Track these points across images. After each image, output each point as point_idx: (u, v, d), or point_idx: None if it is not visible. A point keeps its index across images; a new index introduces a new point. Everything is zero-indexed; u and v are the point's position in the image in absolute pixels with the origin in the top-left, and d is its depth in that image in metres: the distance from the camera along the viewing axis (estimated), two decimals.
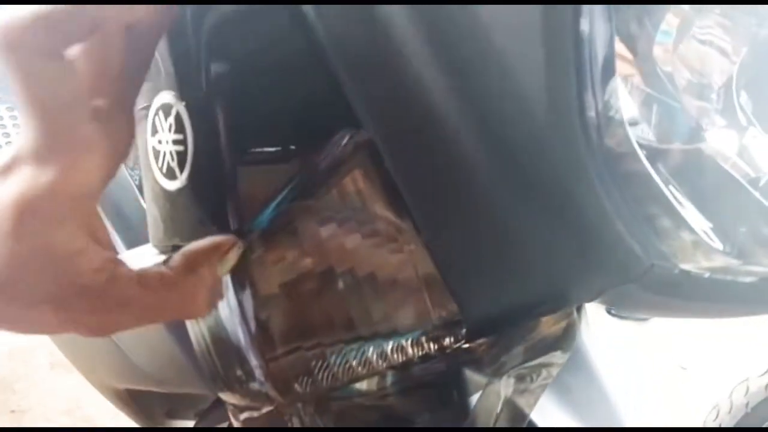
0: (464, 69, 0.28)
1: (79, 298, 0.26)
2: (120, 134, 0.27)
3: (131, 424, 0.86)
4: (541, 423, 0.51)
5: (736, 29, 0.35)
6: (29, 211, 0.25)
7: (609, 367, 0.58)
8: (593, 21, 0.27)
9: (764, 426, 1.19)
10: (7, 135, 1.04)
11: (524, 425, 0.39)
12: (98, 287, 0.26)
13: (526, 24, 0.26)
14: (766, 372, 1.22)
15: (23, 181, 0.25)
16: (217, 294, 0.31)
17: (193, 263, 0.29)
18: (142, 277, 0.28)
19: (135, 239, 0.61)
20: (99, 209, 0.28)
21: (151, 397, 0.77)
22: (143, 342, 0.50)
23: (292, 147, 0.32)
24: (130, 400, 0.78)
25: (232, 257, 0.31)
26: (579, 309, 0.58)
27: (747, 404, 1.22)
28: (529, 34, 0.26)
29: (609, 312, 2.01)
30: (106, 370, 0.65)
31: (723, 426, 1.23)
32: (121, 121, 0.28)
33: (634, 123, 0.31)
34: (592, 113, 0.27)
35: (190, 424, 0.88)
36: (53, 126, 0.25)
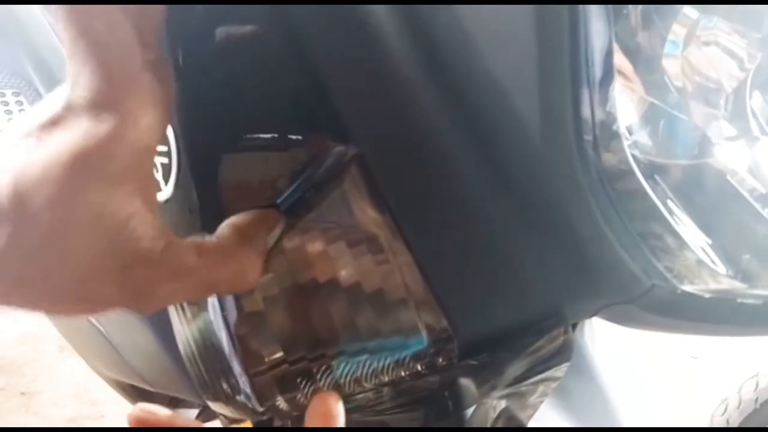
0: (457, 85, 0.27)
1: (140, 267, 0.24)
2: (170, 87, 0.26)
3: None
4: (538, 425, 0.50)
5: (750, 34, 0.33)
6: (84, 167, 0.22)
7: (610, 370, 0.57)
8: (589, 33, 0.25)
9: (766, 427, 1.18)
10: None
11: None
12: (157, 255, 0.24)
13: (518, 38, 0.25)
14: None
15: (78, 133, 0.23)
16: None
17: (246, 234, 0.28)
18: (200, 247, 0.26)
19: None
20: None
21: None
22: (134, 344, 0.50)
23: (278, 160, 0.31)
24: (131, 389, 0.78)
25: (278, 231, 0.30)
26: None
27: (756, 400, 1.21)
28: (521, 49, 0.25)
29: None
30: (103, 363, 0.65)
31: (730, 421, 1.22)
32: (168, 75, 0.26)
33: (632, 133, 0.30)
34: (588, 132, 0.26)
35: (194, 412, 0.88)
36: (113, 73, 0.23)
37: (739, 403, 1.23)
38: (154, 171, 0.33)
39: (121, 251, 0.23)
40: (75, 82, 0.23)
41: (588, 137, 0.26)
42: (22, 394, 1.39)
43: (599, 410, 0.55)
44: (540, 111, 0.25)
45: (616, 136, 0.27)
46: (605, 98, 0.27)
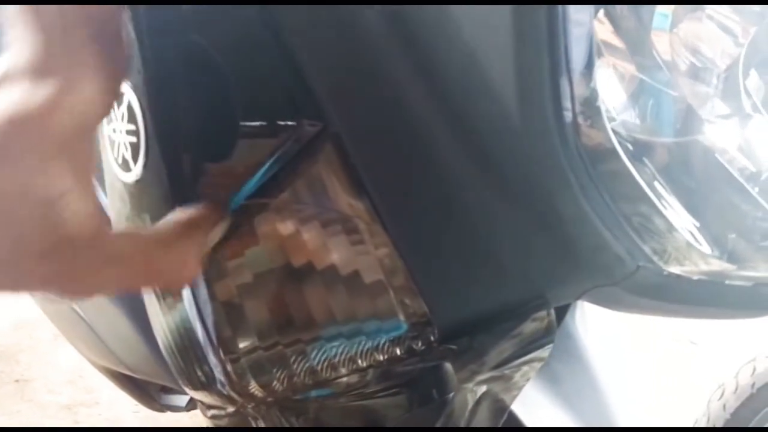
0: (434, 62, 0.26)
1: (62, 250, 0.23)
2: (118, 64, 0.25)
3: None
4: (528, 412, 0.49)
5: (744, 8, 0.32)
6: (19, 134, 0.22)
7: (601, 355, 0.57)
8: (567, 9, 0.24)
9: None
10: None
11: (505, 416, 0.37)
12: (85, 239, 0.23)
13: (495, 21, 0.24)
14: None
15: (15, 96, 0.22)
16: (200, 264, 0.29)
17: (187, 229, 0.27)
18: (135, 236, 0.26)
19: None
20: None
21: None
22: (115, 331, 0.49)
23: (251, 142, 0.30)
24: (122, 377, 0.77)
25: (221, 230, 0.29)
26: None
27: (753, 385, 1.20)
28: (498, 30, 0.24)
29: None
30: (90, 350, 0.65)
31: (727, 406, 1.22)
32: (119, 51, 0.25)
33: (620, 112, 0.29)
34: (568, 111, 0.25)
35: (185, 398, 0.88)
36: (56, 40, 0.22)
37: (736, 388, 1.23)
38: (114, 150, 0.32)
39: (49, 229, 0.22)
40: (18, 47, 0.22)
41: (568, 115, 0.25)
42: (17, 381, 1.39)
43: (589, 395, 0.54)
44: (517, 87, 0.24)
45: (597, 113, 0.26)
46: (586, 75, 0.26)
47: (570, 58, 0.24)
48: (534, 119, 0.25)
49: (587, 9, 0.25)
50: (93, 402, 1.37)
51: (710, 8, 0.31)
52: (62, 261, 0.23)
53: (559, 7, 0.23)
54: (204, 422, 0.38)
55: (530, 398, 0.51)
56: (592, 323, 0.60)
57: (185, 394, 0.86)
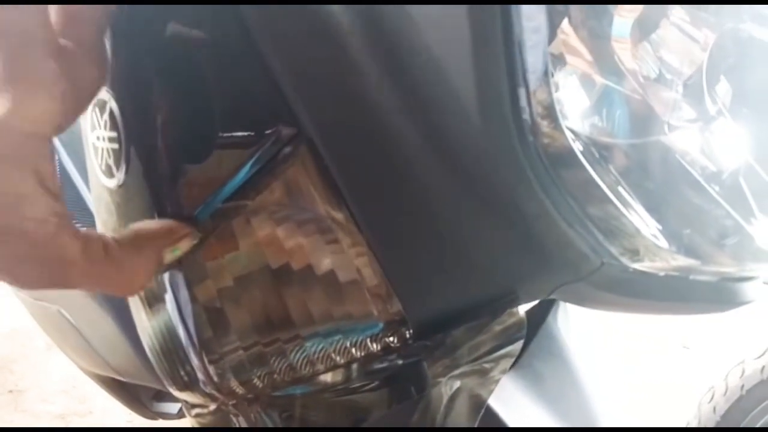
0: (401, 70, 0.27)
1: (15, 242, 0.25)
2: (82, 81, 0.26)
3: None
4: (510, 410, 0.50)
5: (702, 17, 0.33)
6: None
7: (584, 356, 0.57)
8: (524, 17, 0.25)
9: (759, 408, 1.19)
10: None
11: (482, 411, 0.38)
12: (39, 238, 0.25)
13: (453, 24, 0.25)
14: (762, 355, 1.21)
15: None
16: (155, 272, 0.30)
17: (141, 243, 0.29)
18: (86, 244, 0.27)
19: None
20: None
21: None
22: (101, 334, 0.50)
23: (229, 145, 0.31)
24: (114, 384, 0.78)
25: (184, 246, 0.30)
26: (554, 299, 0.57)
27: (742, 387, 1.21)
28: (456, 35, 0.25)
29: None
30: (79, 356, 0.65)
31: (717, 408, 1.23)
32: (86, 68, 0.26)
33: (588, 117, 0.30)
34: (526, 114, 0.26)
35: (177, 406, 0.89)
36: (13, 54, 0.24)
37: (726, 390, 1.24)
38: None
39: (7, 227, 0.24)
40: None
41: (526, 117, 0.26)
42: (10, 391, 1.39)
43: (572, 395, 0.55)
44: (476, 90, 0.25)
45: (555, 116, 0.27)
46: (544, 78, 0.27)
47: (526, 62, 0.26)
48: (493, 121, 0.26)
49: (543, 14, 0.26)
50: (86, 411, 1.37)
51: (675, 16, 0.33)
52: (13, 252, 0.25)
53: (513, 12, 0.24)
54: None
55: (512, 398, 0.52)
56: (574, 324, 0.61)
57: (175, 400, 0.87)
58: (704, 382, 1.39)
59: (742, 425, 1.20)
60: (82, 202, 0.92)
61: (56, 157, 1.01)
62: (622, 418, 0.56)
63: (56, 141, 0.98)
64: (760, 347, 1.23)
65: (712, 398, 1.26)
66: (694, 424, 1.28)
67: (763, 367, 1.18)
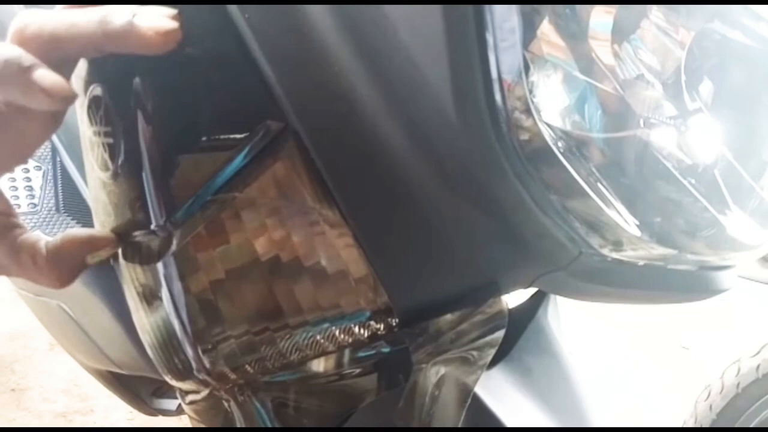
0: (380, 68, 0.28)
1: None
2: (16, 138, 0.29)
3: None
4: (500, 403, 0.51)
5: (679, 17, 0.34)
6: None
7: (574, 350, 0.58)
8: (500, 13, 0.26)
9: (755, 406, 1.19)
10: None
11: (469, 400, 0.39)
12: None
13: (428, 24, 0.26)
14: (757, 353, 1.21)
15: None
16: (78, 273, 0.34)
17: (64, 251, 0.33)
18: (16, 251, 0.32)
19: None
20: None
21: (135, 377, 0.79)
22: (100, 326, 0.51)
23: (219, 139, 0.32)
24: (115, 380, 0.79)
25: (104, 254, 0.34)
26: (543, 295, 0.58)
27: (738, 385, 1.22)
28: (431, 34, 0.26)
29: None
30: (78, 350, 0.66)
31: (713, 406, 1.23)
32: (19, 126, 0.29)
33: (567, 113, 0.31)
34: (501, 109, 0.27)
35: (176, 403, 0.90)
36: None
37: (722, 388, 1.24)
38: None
39: None
40: None
41: (500, 111, 0.27)
42: (13, 390, 1.41)
43: (561, 389, 0.56)
44: (452, 87, 0.27)
45: (530, 110, 0.28)
46: (518, 73, 0.28)
47: (500, 59, 0.27)
48: (469, 116, 0.27)
49: (517, 14, 0.27)
50: (88, 410, 1.38)
51: (654, 15, 0.34)
52: None
53: (486, 12, 0.26)
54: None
55: (502, 391, 0.53)
56: (564, 318, 0.62)
57: (174, 397, 0.88)
58: (699, 379, 1.40)
59: (737, 423, 1.21)
60: (82, 200, 0.94)
61: (57, 158, 1.03)
62: (611, 411, 0.57)
63: (57, 141, 1.00)
64: (755, 346, 1.24)
65: (708, 396, 1.27)
66: (690, 423, 1.29)
67: (759, 366, 1.19)
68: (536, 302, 0.58)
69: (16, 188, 1.00)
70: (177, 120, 0.32)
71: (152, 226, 0.33)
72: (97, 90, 0.33)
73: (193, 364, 0.34)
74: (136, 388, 0.84)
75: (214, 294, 0.33)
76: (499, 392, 0.51)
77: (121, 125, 0.32)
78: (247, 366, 0.34)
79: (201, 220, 0.32)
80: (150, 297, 0.35)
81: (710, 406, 1.26)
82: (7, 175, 1.02)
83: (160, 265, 0.34)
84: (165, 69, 0.31)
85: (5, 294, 1.60)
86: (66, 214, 0.98)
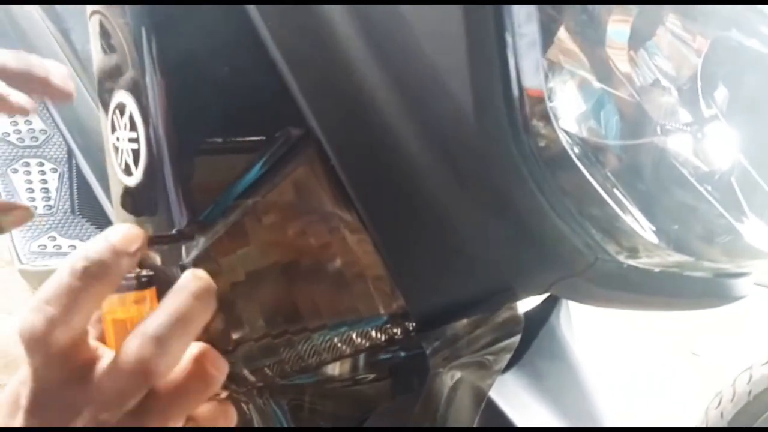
0: (399, 70, 0.29)
1: None
2: None
3: None
4: (512, 407, 0.51)
5: (696, 23, 0.35)
6: None
7: (585, 355, 0.59)
8: (520, 19, 0.27)
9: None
10: (15, 123, 1.07)
11: (483, 404, 0.40)
12: None
13: (448, 29, 0.26)
14: None
15: None
16: None
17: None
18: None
19: None
20: None
21: None
22: None
23: (240, 144, 0.33)
24: None
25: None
26: (556, 300, 0.59)
27: (750, 392, 1.21)
28: (452, 39, 0.26)
29: None
30: None
31: (724, 413, 1.23)
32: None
33: (584, 120, 0.32)
34: (519, 115, 0.28)
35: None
36: None
37: (733, 396, 1.24)
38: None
39: None
40: None
41: (520, 118, 0.28)
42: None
43: (573, 393, 0.56)
44: (472, 93, 0.27)
45: (549, 117, 0.29)
46: (537, 82, 0.28)
47: (520, 65, 0.27)
48: (488, 121, 0.27)
49: (536, 20, 0.28)
50: None
51: (670, 23, 0.34)
52: None
53: (506, 15, 0.26)
54: None
55: (515, 394, 0.53)
56: (576, 325, 0.62)
57: None
58: (710, 386, 1.39)
59: None
60: (97, 203, 0.95)
61: (73, 161, 1.04)
62: (622, 415, 0.57)
63: (73, 144, 1.01)
64: (767, 353, 1.23)
65: (719, 404, 1.26)
66: None
67: None
68: (548, 308, 0.58)
69: (32, 190, 1.01)
70: (199, 125, 0.32)
71: (174, 230, 0.34)
72: (122, 96, 0.34)
73: None
74: None
75: (235, 296, 0.33)
76: (512, 396, 0.52)
77: (145, 132, 0.33)
78: (266, 369, 0.35)
79: (223, 223, 0.33)
80: None
81: (721, 414, 1.25)
82: (24, 177, 1.04)
83: (180, 267, 0.34)
84: (188, 75, 0.32)
85: (18, 294, 1.61)
86: (81, 216, 1.00)
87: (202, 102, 0.32)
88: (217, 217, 0.33)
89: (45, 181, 0.99)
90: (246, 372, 0.34)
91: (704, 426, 1.28)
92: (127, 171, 0.35)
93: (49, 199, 0.97)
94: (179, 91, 0.32)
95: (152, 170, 0.33)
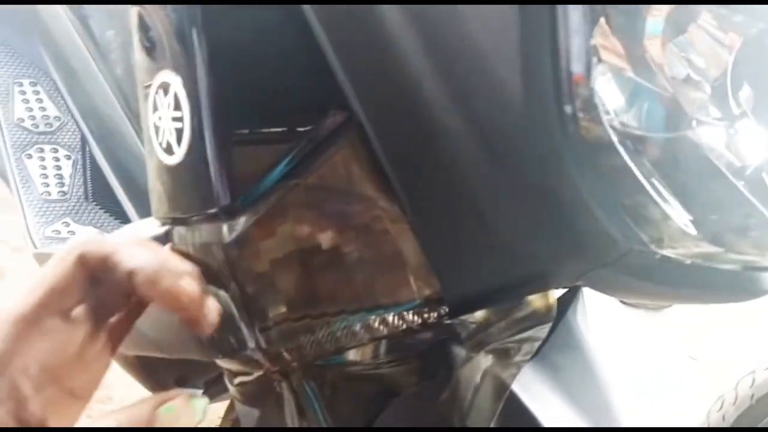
0: (450, 66, 0.29)
1: None
2: None
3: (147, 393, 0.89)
4: (531, 398, 0.52)
5: (730, 21, 0.35)
6: None
7: (601, 348, 0.59)
8: (568, 15, 0.27)
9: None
10: (30, 109, 1.07)
11: (506, 395, 0.40)
12: None
13: (502, 22, 0.27)
14: None
15: None
16: None
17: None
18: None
19: (147, 211, 0.64)
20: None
21: (161, 364, 0.79)
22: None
23: (284, 127, 0.33)
24: (140, 366, 0.80)
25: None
26: (575, 292, 0.59)
27: (752, 396, 1.22)
28: (505, 32, 0.27)
29: (621, 300, 2.01)
30: None
31: (726, 417, 1.23)
32: None
33: (621, 112, 0.32)
34: (568, 105, 0.28)
35: (199, 391, 0.90)
36: None
37: (735, 399, 1.24)
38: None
39: None
40: None
41: (568, 109, 0.28)
42: None
43: (589, 386, 0.57)
44: (522, 84, 0.28)
45: (595, 109, 0.29)
46: (585, 74, 0.29)
47: (571, 55, 0.28)
48: (538, 111, 0.28)
49: (586, 14, 0.28)
50: (106, 398, 1.39)
51: (702, 19, 0.35)
52: None
53: (560, 11, 0.27)
54: (208, 422, 0.40)
55: (532, 386, 0.54)
56: (592, 320, 0.62)
57: (200, 387, 0.89)
58: (711, 390, 1.39)
59: None
60: (110, 190, 0.95)
61: (87, 148, 1.04)
62: (637, 409, 0.57)
63: (87, 132, 1.01)
64: None
65: (721, 407, 1.27)
66: None
67: None
68: (566, 302, 0.59)
69: (46, 176, 1.02)
70: (244, 106, 0.33)
71: (214, 209, 0.34)
72: (166, 76, 0.34)
73: (249, 344, 0.35)
74: (160, 374, 0.85)
75: (274, 275, 0.34)
76: (531, 388, 0.52)
77: (189, 110, 0.33)
78: (302, 348, 0.35)
79: (264, 204, 0.33)
80: (207, 276, 0.36)
81: (723, 417, 1.26)
82: (39, 162, 1.04)
83: (221, 246, 0.35)
84: (235, 61, 0.33)
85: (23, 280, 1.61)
86: (94, 202, 1.00)
87: (247, 82, 0.33)
88: (258, 198, 0.33)
89: (59, 168, 0.99)
90: (282, 350, 0.35)
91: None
92: (168, 150, 0.35)
93: (63, 185, 0.98)
94: (227, 73, 0.32)
95: (195, 149, 0.34)
